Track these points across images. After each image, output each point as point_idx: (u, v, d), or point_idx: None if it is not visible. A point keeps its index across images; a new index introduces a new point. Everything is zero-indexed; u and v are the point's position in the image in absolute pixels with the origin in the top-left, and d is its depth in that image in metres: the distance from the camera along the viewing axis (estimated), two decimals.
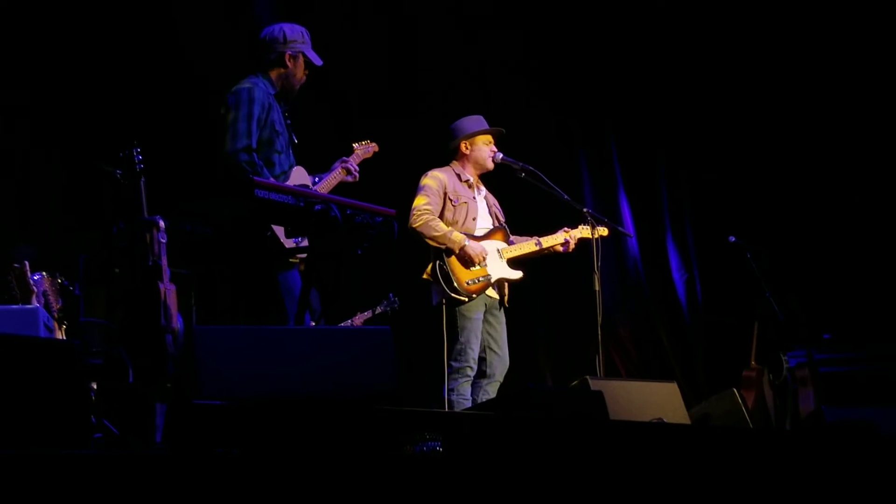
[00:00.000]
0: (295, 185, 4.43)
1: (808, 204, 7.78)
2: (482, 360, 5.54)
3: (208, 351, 3.23)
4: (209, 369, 3.20)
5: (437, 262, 5.49)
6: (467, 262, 5.47)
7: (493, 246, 5.63)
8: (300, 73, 4.78)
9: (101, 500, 2.48)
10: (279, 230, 4.39)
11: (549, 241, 5.79)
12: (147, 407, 4.64)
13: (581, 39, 8.19)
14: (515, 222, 5.87)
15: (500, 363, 5.61)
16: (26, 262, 5.09)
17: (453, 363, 5.45)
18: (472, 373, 5.48)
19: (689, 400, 5.71)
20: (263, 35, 4.80)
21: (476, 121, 5.81)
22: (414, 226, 5.50)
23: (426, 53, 7.92)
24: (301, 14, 5.47)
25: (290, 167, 4.69)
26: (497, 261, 5.61)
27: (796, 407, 6.57)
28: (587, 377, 5.03)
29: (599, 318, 5.52)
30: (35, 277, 5.13)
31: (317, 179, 4.87)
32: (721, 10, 7.93)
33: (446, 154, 5.80)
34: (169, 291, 4.96)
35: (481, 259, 5.50)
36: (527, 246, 5.73)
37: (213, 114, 4.69)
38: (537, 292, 7.81)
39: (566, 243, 5.79)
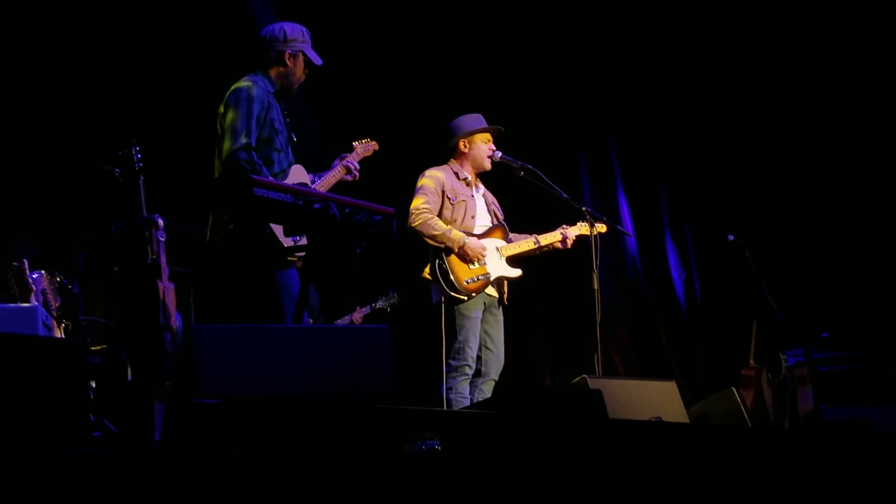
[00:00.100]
0: (294, 184, 4.43)
1: (807, 203, 7.78)
2: (477, 358, 5.54)
3: (207, 350, 3.23)
4: (208, 368, 3.20)
5: (437, 260, 5.49)
6: (467, 260, 5.48)
7: (493, 244, 5.63)
8: (299, 72, 4.78)
9: (99, 498, 2.48)
10: (278, 229, 4.39)
11: (547, 239, 5.79)
12: (146, 406, 4.65)
13: (581, 39, 8.19)
14: (514, 221, 5.87)
15: (496, 361, 5.61)
16: (25, 261, 5.09)
17: (452, 362, 5.46)
18: (470, 371, 5.48)
19: (688, 399, 5.71)
20: (264, 34, 4.80)
21: (475, 119, 5.81)
22: (413, 224, 5.50)
23: (426, 52, 7.92)
24: (301, 14, 5.47)
25: (290, 165, 4.69)
26: (496, 259, 5.61)
27: (795, 406, 6.57)
28: (586, 376, 5.04)
29: (598, 317, 5.52)
30: (34, 276, 5.13)
31: (316, 178, 4.88)
32: (720, 9, 7.93)
33: (445, 152, 5.80)
34: (168, 290, 4.96)
35: (480, 257, 5.50)
36: (525, 244, 5.72)
37: (212, 112, 4.70)
38: (536, 291, 7.82)
39: (564, 240, 5.79)
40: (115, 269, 5.64)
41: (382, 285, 7.18)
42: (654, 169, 8.29)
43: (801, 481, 3.65)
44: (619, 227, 6.79)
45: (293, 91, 4.83)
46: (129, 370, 4.78)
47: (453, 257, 5.49)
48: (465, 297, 5.48)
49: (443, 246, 5.48)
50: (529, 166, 5.76)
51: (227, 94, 4.64)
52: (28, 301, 5.00)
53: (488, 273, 5.54)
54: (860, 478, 3.73)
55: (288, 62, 4.74)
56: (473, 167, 5.76)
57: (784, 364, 6.73)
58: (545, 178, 5.75)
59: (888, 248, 7.47)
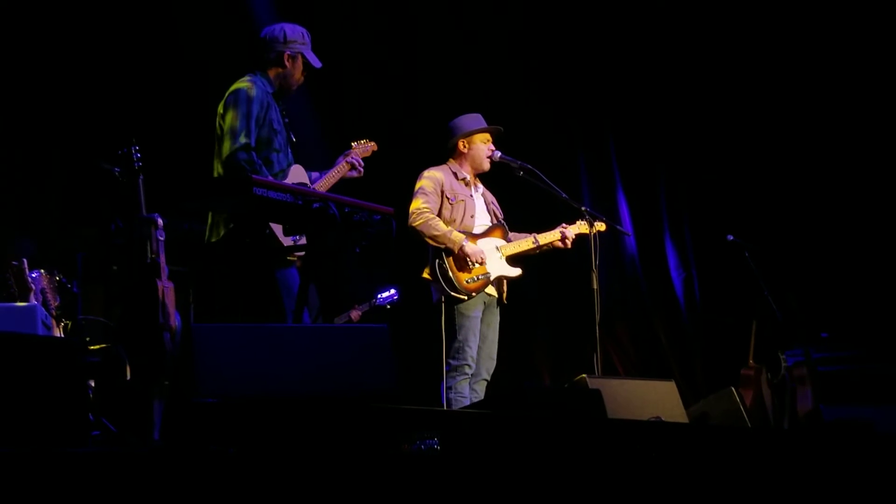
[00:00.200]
0: (293, 184, 4.43)
1: (807, 203, 7.77)
2: None
3: (206, 349, 3.23)
4: (207, 367, 3.20)
5: (437, 260, 5.50)
6: (465, 263, 5.48)
7: (492, 243, 5.64)
8: (298, 73, 4.78)
9: (99, 498, 2.48)
10: (277, 228, 4.39)
11: (546, 238, 5.79)
12: (145, 405, 4.65)
13: (581, 39, 8.18)
14: (514, 220, 5.87)
15: (489, 361, 5.61)
16: (24, 260, 5.09)
17: (452, 361, 5.46)
18: (469, 371, 5.48)
19: (688, 399, 5.71)
20: (264, 34, 4.80)
21: (474, 119, 5.81)
22: (414, 224, 5.50)
23: (426, 52, 7.92)
24: (301, 14, 5.47)
25: (289, 165, 4.69)
26: (496, 258, 5.61)
27: (794, 406, 6.57)
28: (585, 375, 5.04)
29: (598, 317, 5.52)
30: (33, 275, 5.13)
31: (320, 175, 4.88)
32: (719, 10, 7.93)
33: (444, 152, 5.80)
34: (167, 289, 4.96)
35: (479, 261, 5.50)
36: (525, 243, 5.73)
37: (211, 112, 4.70)
38: (535, 291, 7.81)
39: (564, 239, 5.79)
40: (115, 268, 5.64)
41: (382, 285, 7.18)
42: (653, 169, 8.28)
43: (800, 481, 3.65)
44: (618, 226, 6.79)
45: (291, 92, 4.83)
46: (129, 369, 4.77)
47: (453, 257, 5.49)
48: (466, 297, 5.48)
49: (443, 246, 5.49)
50: (529, 166, 5.76)
51: (227, 94, 4.65)
52: (27, 300, 5.00)
53: (488, 273, 5.54)
54: (860, 478, 3.73)
55: (287, 63, 4.75)
56: (473, 167, 5.77)
57: (783, 364, 6.73)
58: (544, 177, 5.75)
59: (887, 248, 7.46)
